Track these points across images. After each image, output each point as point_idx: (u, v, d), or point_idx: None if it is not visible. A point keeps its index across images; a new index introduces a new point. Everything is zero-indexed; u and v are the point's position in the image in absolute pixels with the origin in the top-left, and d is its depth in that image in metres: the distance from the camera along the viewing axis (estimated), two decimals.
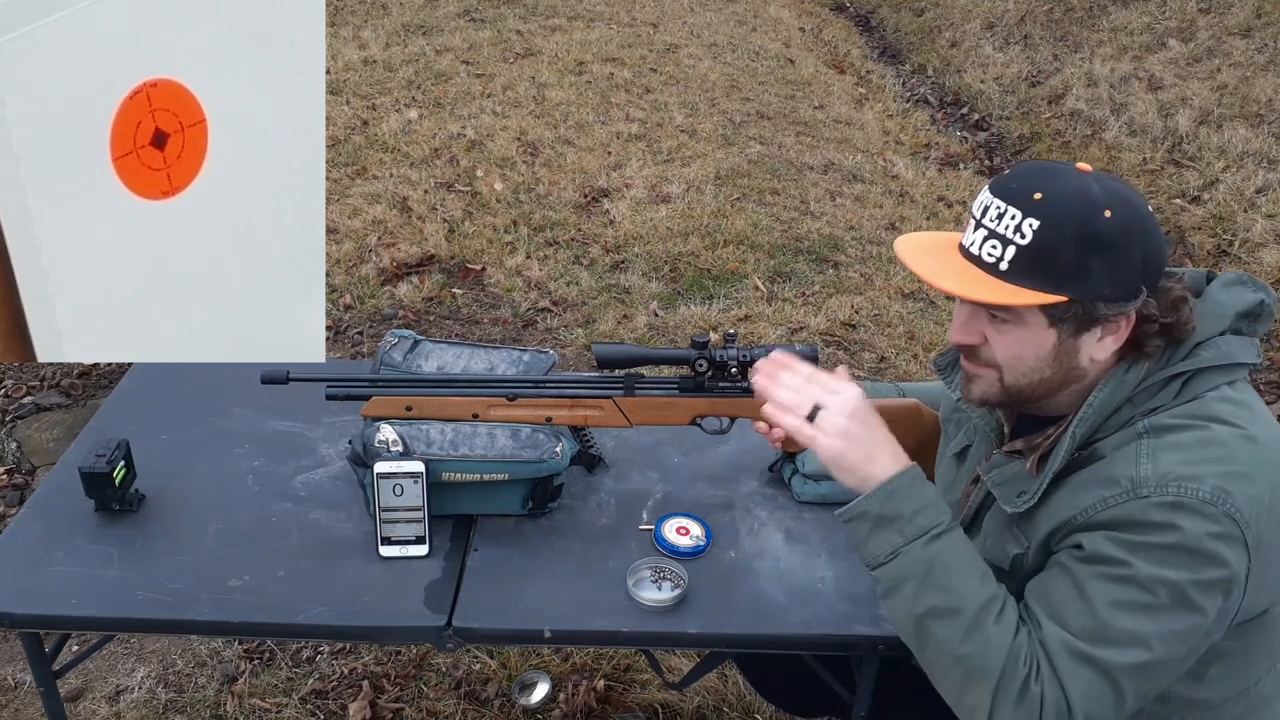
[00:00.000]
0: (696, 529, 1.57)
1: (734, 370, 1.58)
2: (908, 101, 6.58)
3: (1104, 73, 6.03)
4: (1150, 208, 1.18)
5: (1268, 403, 3.36)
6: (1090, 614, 1.14)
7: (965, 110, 6.40)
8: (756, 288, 3.98)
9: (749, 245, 4.31)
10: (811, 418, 1.26)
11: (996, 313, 1.20)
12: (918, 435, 1.62)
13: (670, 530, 1.57)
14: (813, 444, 1.27)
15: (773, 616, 1.44)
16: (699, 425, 1.62)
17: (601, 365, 1.56)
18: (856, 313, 3.82)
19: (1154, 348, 1.19)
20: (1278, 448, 1.16)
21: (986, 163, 5.58)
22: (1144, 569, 1.11)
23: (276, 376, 1.54)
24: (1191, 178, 4.78)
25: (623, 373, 1.60)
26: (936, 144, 5.77)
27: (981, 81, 6.61)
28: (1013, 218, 1.15)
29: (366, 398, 1.55)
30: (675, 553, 1.54)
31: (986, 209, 1.18)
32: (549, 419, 1.58)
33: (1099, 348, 1.19)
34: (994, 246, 1.17)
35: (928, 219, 4.68)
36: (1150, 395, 1.19)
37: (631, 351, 1.56)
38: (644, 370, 1.62)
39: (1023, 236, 1.14)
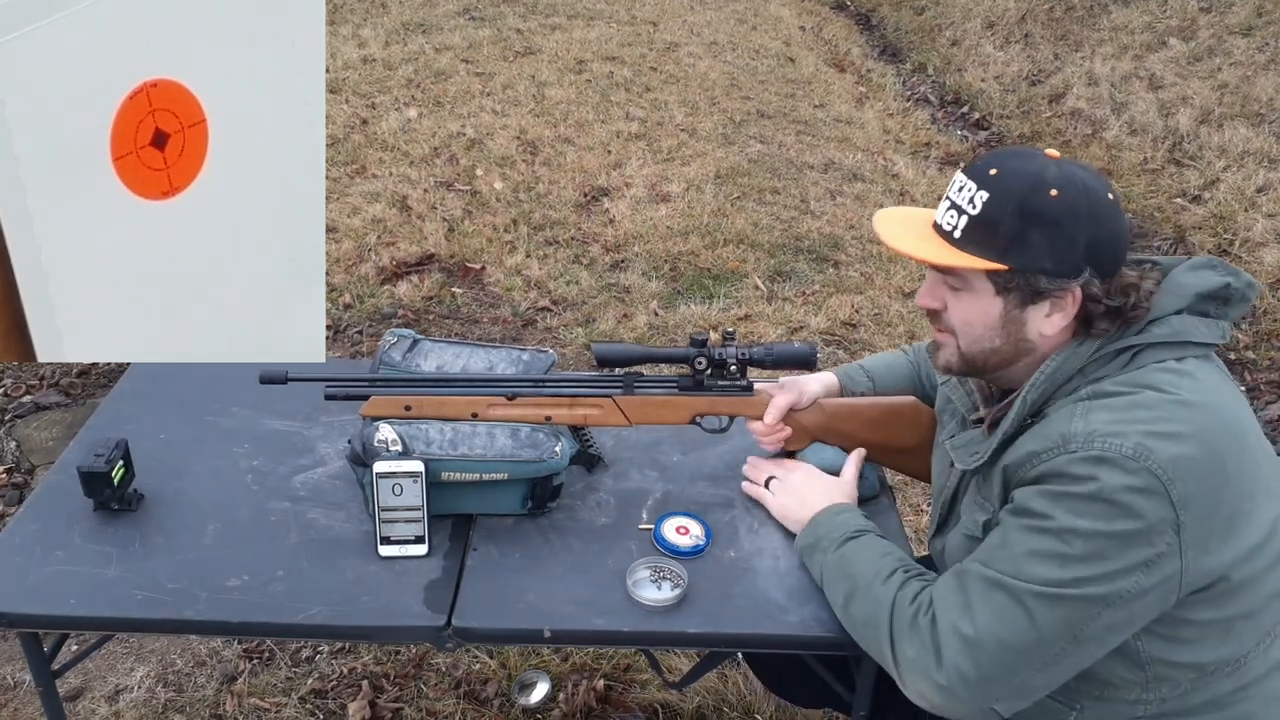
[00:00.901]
0: (696, 528, 1.57)
1: (733, 368, 1.58)
2: (908, 100, 6.58)
3: (1104, 72, 6.03)
4: (1114, 198, 1.24)
5: (1267, 403, 3.36)
6: (1009, 559, 1.21)
7: (966, 109, 6.40)
8: (757, 287, 3.98)
9: (749, 244, 4.31)
10: (768, 483, 1.63)
11: (950, 281, 1.30)
12: (917, 433, 1.62)
13: (670, 530, 1.57)
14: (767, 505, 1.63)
15: (772, 616, 1.44)
16: (698, 424, 1.62)
17: (601, 364, 1.57)
18: (857, 312, 3.82)
19: (1102, 329, 1.25)
20: (1213, 417, 1.20)
21: None
22: (1062, 520, 1.17)
23: (275, 376, 1.53)
24: (1192, 177, 4.78)
25: (622, 371, 1.60)
26: (937, 143, 5.76)
27: (982, 80, 6.61)
28: (969, 190, 1.25)
29: (365, 397, 1.55)
30: (675, 552, 1.54)
31: (954, 183, 1.28)
32: (548, 418, 1.58)
33: (1047, 323, 1.26)
34: (952, 216, 1.27)
35: None
36: (1100, 366, 1.26)
37: (631, 350, 1.56)
38: (643, 369, 1.62)
39: (974, 207, 1.24)
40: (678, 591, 1.46)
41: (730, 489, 1.69)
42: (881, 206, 4.77)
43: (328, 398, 1.55)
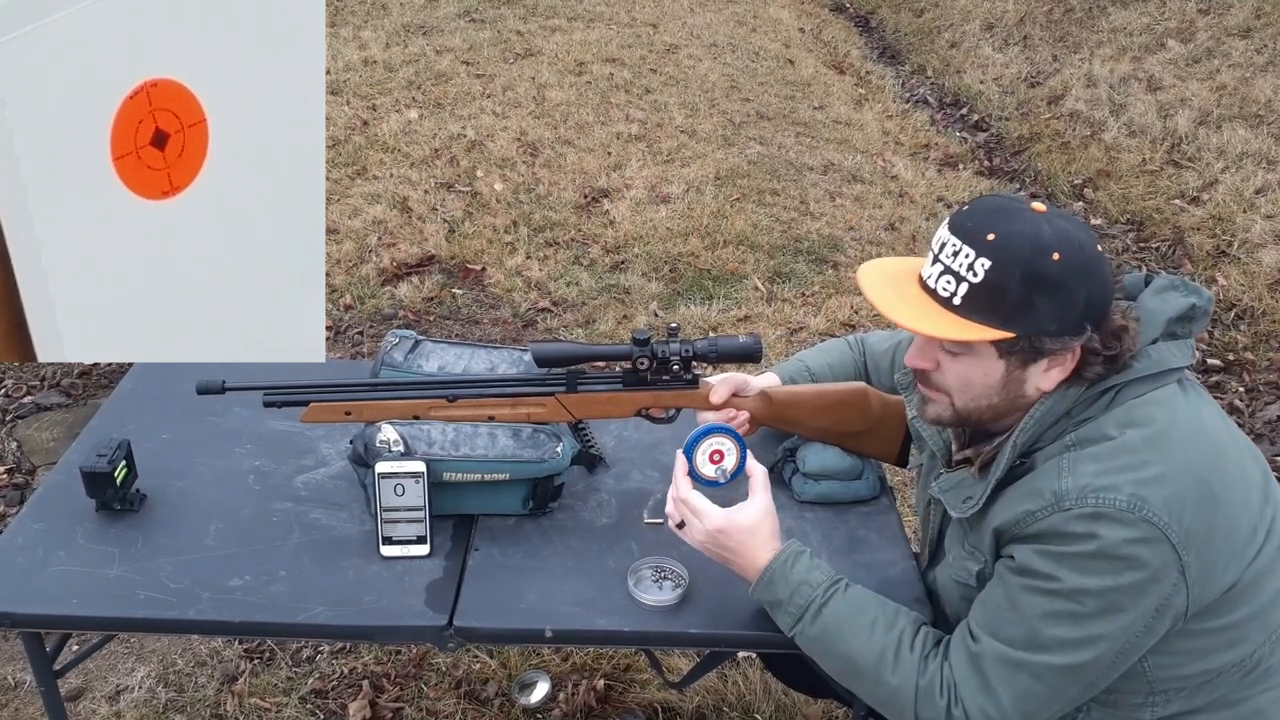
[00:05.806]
0: (731, 454, 1.44)
1: (676, 366, 1.57)
2: (907, 102, 6.58)
3: (1103, 73, 6.03)
4: (1099, 247, 1.23)
5: (1266, 403, 3.36)
6: (1022, 624, 1.22)
7: (965, 111, 6.40)
8: (756, 288, 3.98)
9: (749, 245, 4.31)
10: (681, 525, 1.42)
11: (949, 345, 1.28)
12: (865, 419, 1.62)
13: (702, 457, 1.44)
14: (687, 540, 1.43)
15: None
16: (646, 416, 1.62)
17: (540, 364, 1.57)
18: (856, 313, 3.83)
19: (1095, 373, 1.25)
20: (1194, 444, 1.21)
21: (986, 163, 5.58)
22: (1069, 580, 1.18)
23: (212, 387, 1.53)
24: (1191, 178, 4.78)
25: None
26: (936, 144, 5.77)
27: (981, 82, 6.61)
28: (967, 256, 1.21)
29: (305, 403, 1.55)
30: (707, 484, 1.44)
31: (944, 245, 1.24)
32: (491, 417, 1.57)
33: (1045, 378, 1.25)
34: (949, 281, 1.23)
35: (927, 219, 4.69)
36: (1085, 407, 1.26)
37: (570, 350, 1.57)
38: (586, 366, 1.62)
39: (975, 275, 1.21)
40: (679, 591, 1.46)
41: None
42: (880, 208, 4.79)
43: (266, 405, 1.54)
